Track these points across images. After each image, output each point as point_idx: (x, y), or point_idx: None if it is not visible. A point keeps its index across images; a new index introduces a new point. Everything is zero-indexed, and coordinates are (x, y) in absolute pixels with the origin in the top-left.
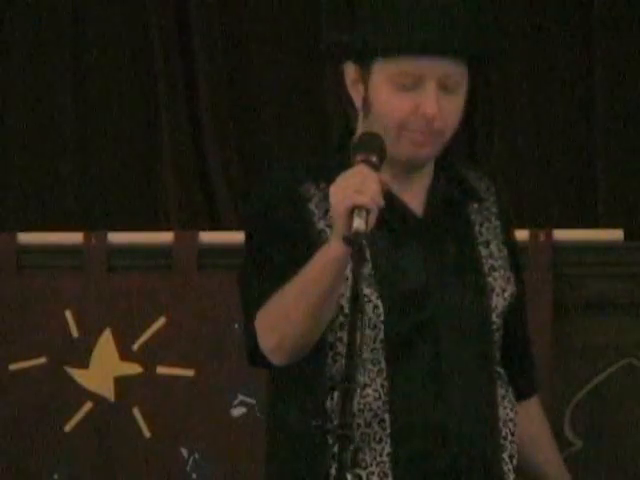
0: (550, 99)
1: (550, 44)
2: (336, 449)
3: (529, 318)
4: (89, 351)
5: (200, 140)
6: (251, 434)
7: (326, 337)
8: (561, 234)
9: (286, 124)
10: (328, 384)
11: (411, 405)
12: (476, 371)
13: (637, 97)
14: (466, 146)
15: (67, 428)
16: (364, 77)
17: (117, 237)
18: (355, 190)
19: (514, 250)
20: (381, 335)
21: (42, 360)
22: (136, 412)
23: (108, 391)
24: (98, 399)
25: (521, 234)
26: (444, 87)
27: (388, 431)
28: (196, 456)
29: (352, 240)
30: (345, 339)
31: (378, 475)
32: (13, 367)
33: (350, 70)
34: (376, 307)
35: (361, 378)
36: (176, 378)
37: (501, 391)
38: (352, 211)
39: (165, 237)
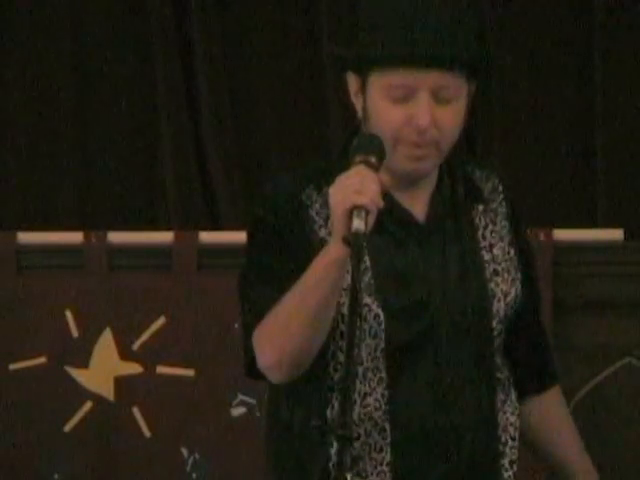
0: (550, 99)
1: (550, 44)
2: (334, 452)
3: None
4: (89, 351)
5: (200, 140)
6: (251, 434)
7: (327, 346)
8: (561, 234)
9: (286, 124)
10: (329, 393)
11: (411, 414)
12: (476, 379)
13: (637, 97)
14: (466, 146)
15: (67, 428)
16: (363, 88)
17: (117, 237)
18: (354, 191)
19: (525, 249)
20: (382, 344)
21: (42, 360)
22: (136, 412)
23: (108, 391)
24: (98, 399)
25: None
26: (438, 98)
27: (388, 440)
28: (196, 456)
29: (351, 240)
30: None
31: None
32: (13, 367)
33: (351, 80)
34: (377, 316)
35: (362, 387)
36: (176, 378)
37: (501, 396)
38: (351, 212)
39: (165, 237)
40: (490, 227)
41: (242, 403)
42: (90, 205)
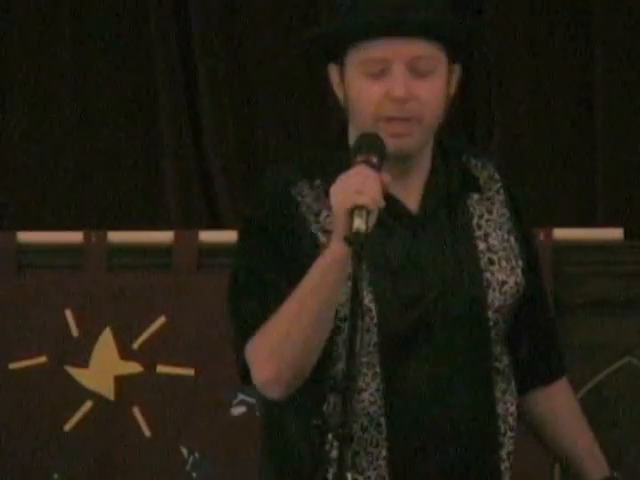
0: (550, 98)
1: (550, 43)
2: (333, 452)
3: None
4: (89, 350)
5: (200, 140)
6: (251, 433)
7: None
8: (561, 233)
9: (286, 124)
10: (325, 389)
11: (407, 408)
12: (473, 370)
13: (637, 96)
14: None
15: (67, 427)
16: (342, 75)
17: (117, 236)
18: (355, 190)
19: (527, 237)
20: (375, 338)
21: (42, 359)
22: (136, 411)
23: (108, 390)
24: (98, 398)
25: None
26: (415, 70)
27: (384, 435)
28: (196, 455)
29: (353, 240)
30: (341, 343)
31: (375, 479)
32: (13, 366)
33: (332, 72)
34: (369, 310)
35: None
36: (176, 377)
37: (501, 386)
38: (352, 211)
39: (165, 236)
40: (486, 216)
41: (242, 403)
42: (90, 205)
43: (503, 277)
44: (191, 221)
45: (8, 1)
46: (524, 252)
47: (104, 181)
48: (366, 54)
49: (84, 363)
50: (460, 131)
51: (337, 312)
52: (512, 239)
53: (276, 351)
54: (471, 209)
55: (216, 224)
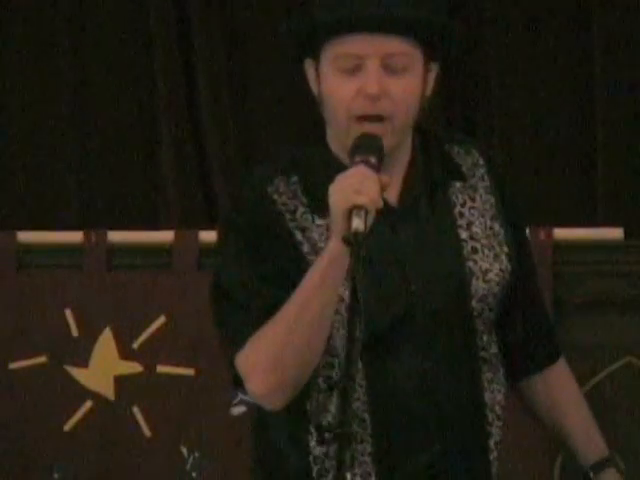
0: (550, 98)
1: (550, 43)
2: (318, 451)
3: None
4: (89, 350)
5: (200, 140)
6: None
7: None
8: (561, 233)
9: (287, 123)
10: (307, 387)
11: (392, 403)
12: (458, 362)
13: (637, 96)
14: None
15: (67, 427)
16: (317, 70)
17: (117, 236)
18: (354, 190)
19: (514, 221)
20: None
21: (42, 359)
22: (136, 411)
23: (108, 390)
24: (98, 398)
25: None
26: (389, 67)
27: (369, 431)
28: (196, 455)
29: (351, 240)
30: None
31: (361, 476)
32: (13, 366)
33: (309, 67)
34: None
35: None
36: (176, 377)
37: (488, 375)
38: (351, 212)
39: (165, 236)
40: (469, 204)
41: (242, 402)
42: (90, 204)
43: (487, 265)
44: (191, 221)
45: (8, 1)
46: (510, 237)
47: (104, 181)
48: (340, 49)
49: (84, 363)
50: (460, 131)
51: None
52: (497, 225)
53: (277, 360)
54: (453, 198)
55: (216, 224)
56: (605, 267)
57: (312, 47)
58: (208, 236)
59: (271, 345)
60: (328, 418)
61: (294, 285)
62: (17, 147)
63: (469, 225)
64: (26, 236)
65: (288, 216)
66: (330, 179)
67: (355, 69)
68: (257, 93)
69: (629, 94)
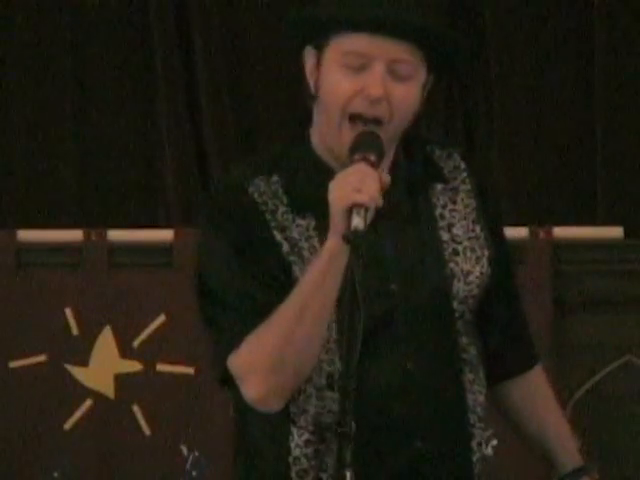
0: (550, 98)
1: (550, 42)
2: (298, 452)
3: (528, 314)
4: (89, 349)
5: (200, 139)
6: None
7: None
8: (561, 232)
9: (287, 123)
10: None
11: (372, 404)
12: (439, 362)
13: (637, 96)
14: (466, 144)
15: (67, 426)
16: (319, 62)
17: (117, 234)
18: (354, 189)
19: (493, 226)
20: (334, 335)
21: (42, 358)
22: (136, 410)
23: (108, 389)
24: (98, 397)
25: (521, 232)
26: (393, 73)
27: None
28: (196, 453)
29: (351, 238)
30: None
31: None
32: (13, 365)
33: (309, 55)
34: None
35: (318, 380)
36: (176, 376)
37: (469, 376)
38: (351, 210)
39: (165, 235)
40: (450, 206)
41: None
42: (90, 203)
43: (468, 267)
44: (191, 219)
45: (8, 1)
46: (490, 241)
47: (104, 180)
48: (350, 46)
49: (84, 362)
50: (460, 131)
51: None
52: (478, 229)
53: (278, 360)
54: (434, 199)
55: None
56: (605, 266)
57: (319, 37)
58: None
59: (271, 345)
60: (308, 419)
61: (281, 285)
62: (17, 146)
63: (450, 227)
64: (26, 235)
65: (268, 216)
66: (311, 178)
67: (360, 68)
68: (257, 93)
69: (629, 94)
